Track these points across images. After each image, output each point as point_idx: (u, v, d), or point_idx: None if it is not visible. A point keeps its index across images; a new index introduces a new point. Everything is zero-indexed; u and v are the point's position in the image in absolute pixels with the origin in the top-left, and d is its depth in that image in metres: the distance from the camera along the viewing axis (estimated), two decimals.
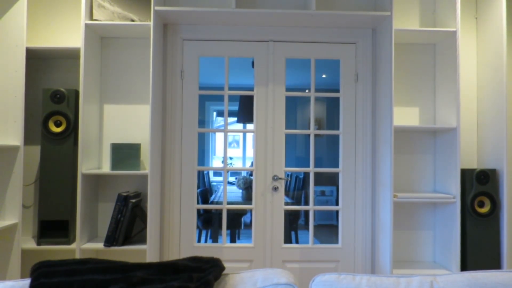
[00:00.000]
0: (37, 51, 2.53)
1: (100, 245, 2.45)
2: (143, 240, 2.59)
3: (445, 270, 2.57)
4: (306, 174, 5.99)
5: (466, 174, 2.54)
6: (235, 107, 7.26)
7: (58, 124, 2.46)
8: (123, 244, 2.46)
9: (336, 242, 2.89)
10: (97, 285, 1.16)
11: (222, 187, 5.84)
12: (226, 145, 2.86)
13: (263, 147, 2.83)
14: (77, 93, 2.52)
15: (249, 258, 2.80)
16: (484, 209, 2.52)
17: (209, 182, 6.58)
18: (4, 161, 2.38)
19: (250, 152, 7.76)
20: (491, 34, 2.63)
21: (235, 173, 7.57)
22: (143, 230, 2.67)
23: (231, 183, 6.40)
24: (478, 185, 2.51)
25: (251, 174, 4.74)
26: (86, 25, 2.47)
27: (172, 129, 2.79)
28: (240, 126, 7.24)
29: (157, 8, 2.49)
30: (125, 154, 2.54)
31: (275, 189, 2.82)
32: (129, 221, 2.46)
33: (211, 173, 7.61)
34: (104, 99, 2.76)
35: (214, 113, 7.71)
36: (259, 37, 2.81)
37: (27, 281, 1.22)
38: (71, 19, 2.74)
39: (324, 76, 6.49)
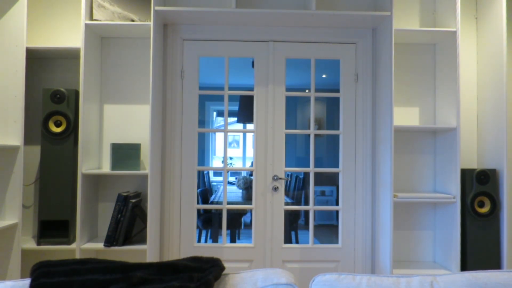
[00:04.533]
0: (37, 51, 2.53)
1: (100, 245, 2.45)
2: (143, 240, 2.59)
3: (445, 270, 2.57)
4: (306, 174, 5.99)
5: (466, 174, 2.54)
6: (235, 107, 7.26)
7: (58, 124, 2.46)
8: (123, 244, 2.46)
9: (336, 242, 2.89)
10: (97, 285, 1.16)
11: (222, 187, 5.84)
12: (226, 145, 2.86)
13: (263, 147, 2.83)
14: (77, 93, 2.53)
15: (249, 258, 2.80)
16: (484, 209, 2.52)
17: (209, 182, 6.58)
18: (4, 161, 2.38)
19: (250, 152, 7.76)
20: (491, 34, 2.63)
21: (235, 173, 7.58)
22: (143, 230, 2.67)
23: (231, 183, 6.40)
24: (478, 185, 2.51)
25: (251, 174, 4.74)
26: (86, 25, 2.47)
27: (172, 129, 2.79)
28: (240, 126, 7.24)
29: (157, 8, 2.49)
30: (125, 154, 2.54)
31: (275, 189, 2.82)
32: (129, 221, 2.46)
33: (211, 173, 7.61)
34: (104, 99, 2.76)
35: (214, 113, 7.71)
36: (259, 37, 2.81)
37: (27, 281, 1.22)
38: (71, 19, 2.74)
39: (324, 76, 6.48)
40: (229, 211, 4.52)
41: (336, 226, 6.47)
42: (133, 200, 2.47)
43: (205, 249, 2.81)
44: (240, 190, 4.93)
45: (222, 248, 2.80)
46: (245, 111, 5.27)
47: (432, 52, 2.83)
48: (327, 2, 2.83)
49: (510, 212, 2.73)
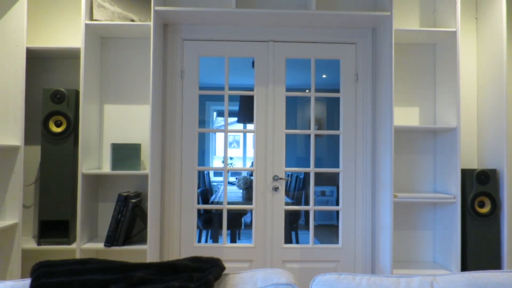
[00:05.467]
0: (37, 51, 2.53)
1: (100, 245, 2.45)
2: (143, 240, 2.59)
3: (445, 270, 2.57)
4: (307, 174, 5.99)
5: (466, 174, 2.54)
6: (236, 107, 7.26)
7: (58, 124, 2.46)
8: (124, 244, 2.46)
9: (336, 242, 2.89)
10: (97, 285, 1.16)
11: (222, 187, 5.84)
12: (226, 145, 2.86)
13: (264, 147, 2.83)
14: (77, 93, 2.53)
15: (249, 258, 2.80)
16: (485, 209, 2.52)
17: (210, 182, 6.58)
18: (5, 161, 2.38)
19: (250, 152, 7.76)
20: (491, 34, 2.63)
21: (235, 173, 7.58)
22: (143, 230, 2.67)
23: (231, 183, 6.40)
24: (478, 185, 2.51)
25: (251, 174, 4.74)
26: (86, 25, 2.47)
27: (172, 129, 2.79)
28: (240, 126, 7.23)
29: (157, 8, 2.49)
30: (125, 154, 2.54)
31: (276, 189, 2.82)
32: (129, 221, 2.46)
33: (211, 173, 7.61)
34: (104, 99, 2.76)
35: (215, 113, 7.71)
36: (259, 37, 2.81)
37: (27, 281, 1.22)
38: (71, 19, 2.74)
39: (324, 76, 6.49)
40: (229, 211, 4.52)
41: (336, 226, 6.47)
42: (133, 200, 2.48)
43: (205, 249, 2.81)
44: (241, 190, 4.93)
45: (222, 248, 2.80)
46: (245, 111, 5.27)
47: (432, 52, 2.83)
48: (327, 2, 2.83)
49: (510, 212, 2.73)
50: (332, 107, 7.15)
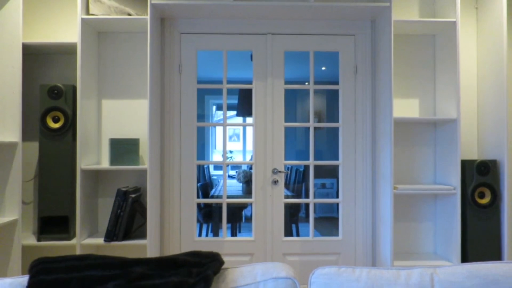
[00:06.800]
0: (34, 46, 2.51)
1: (100, 241, 2.45)
2: (143, 235, 2.59)
3: (445, 261, 2.58)
4: (306, 167, 5.98)
5: (466, 165, 2.53)
6: (235, 101, 7.24)
7: (56, 120, 2.45)
8: (123, 239, 2.46)
9: (337, 234, 2.89)
10: (96, 281, 1.16)
11: (222, 181, 5.84)
12: (225, 139, 2.85)
13: (263, 141, 2.82)
14: (74, 88, 2.51)
15: (249, 251, 2.81)
16: (485, 200, 2.51)
17: (210, 176, 6.58)
18: (3, 158, 2.37)
19: (250, 146, 7.75)
20: (491, 25, 2.60)
21: (235, 166, 7.57)
22: (143, 225, 2.67)
23: (231, 177, 6.40)
24: (479, 176, 2.50)
25: (251, 168, 4.73)
26: (83, 20, 2.45)
27: (171, 123, 2.77)
28: (239, 119, 7.22)
29: (154, 1, 2.47)
30: (124, 149, 2.53)
31: (275, 182, 2.81)
32: (129, 216, 2.46)
33: (211, 167, 7.61)
34: (102, 94, 2.74)
35: (214, 107, 7.69)
36: (257, 30, 2.79)
37: (26, 278, 1.22)
38: (67, 14, 2.72)
39: (323, 68, 6.45)
40: (229, 205, 4.52)
41: (337, 218, 6.47)
42: (133, 195, 2.47)
43: (206, 243, 2.81)
44: (241, 184, 4.92)
45: (223, 242, 2.80)
46: (244, 104, 5.25)
47: (432, 43, 2.81)
48: None
49: (511, 203, 2.73)
50: (331, 100, 7.13)
